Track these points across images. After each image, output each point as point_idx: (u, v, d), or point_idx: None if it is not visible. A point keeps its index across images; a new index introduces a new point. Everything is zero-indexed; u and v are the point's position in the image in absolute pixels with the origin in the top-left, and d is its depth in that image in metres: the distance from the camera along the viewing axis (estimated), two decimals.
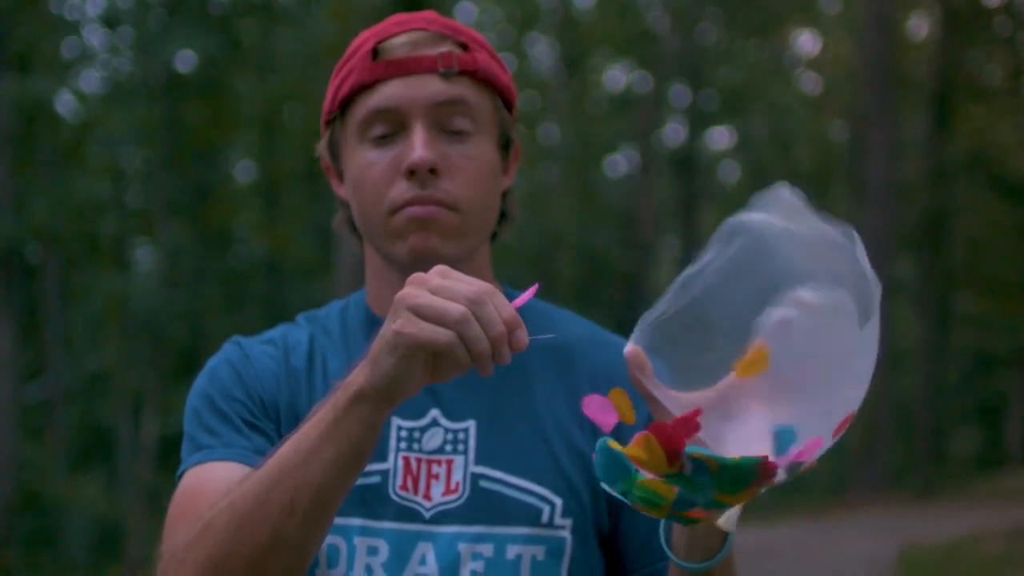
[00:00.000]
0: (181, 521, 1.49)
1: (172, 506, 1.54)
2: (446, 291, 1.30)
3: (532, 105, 24.33)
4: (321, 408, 1.38)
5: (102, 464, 19.11)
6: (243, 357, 1.66)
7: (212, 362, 1.67)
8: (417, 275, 1.34)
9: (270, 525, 1.36)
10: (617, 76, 27.60)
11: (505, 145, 1.70)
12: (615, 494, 1.27)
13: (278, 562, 1.38)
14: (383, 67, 1.63)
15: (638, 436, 1.21)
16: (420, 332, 1.29)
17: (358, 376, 1.34)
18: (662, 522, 1.44)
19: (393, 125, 1.63)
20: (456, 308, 1.29)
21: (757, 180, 27.14)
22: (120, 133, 17.96)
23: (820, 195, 26.77)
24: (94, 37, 19.19)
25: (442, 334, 1.29)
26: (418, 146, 1.60)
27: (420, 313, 1.30)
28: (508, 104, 1.70)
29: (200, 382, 1.66)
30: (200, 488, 1.53)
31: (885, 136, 17.90)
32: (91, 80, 19.37)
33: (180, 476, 1.58)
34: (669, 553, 1.44)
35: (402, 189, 1.61)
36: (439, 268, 1.34)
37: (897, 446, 19.55)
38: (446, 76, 1.63)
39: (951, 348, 20.65)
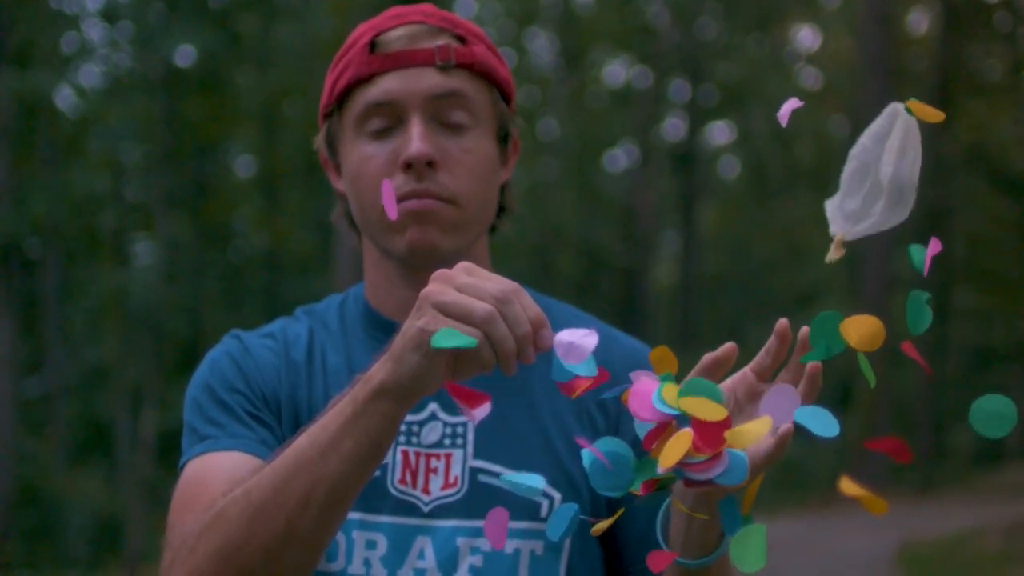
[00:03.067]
0: (187, 510, 1.47)
1: (176, 495, 1.53)
2: (472, 289, 1.28)
3: (532, 100, 24.31)
4: (340, 401, 1.36)
5: (101, 458, 19.06)
6: (243, 350, 1.65)
7: (212, 354, 1.66)
8: (442, 271, 1.32)
9: (285, 517, 1.35)
10: (617, 71, 27.58)
11: (503, 138, 1.69)
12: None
13: (291, 555, 1.37)
14: (380, 60, 1.62)
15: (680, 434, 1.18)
16: None
17: (379, 371, 1.32)
18: (659, 519, 1.44)
19: (391, 118, 1.62)
20: (483, 307, 1.27)
21: (757, 175, 27.14)
22: (119, 128, 17.93)
23: (820, 190, 26.76)
24: (93, 32, 19.15)
25: (468, 333, 1.27)
26: (415, 139, 1.59)
27: (446, 311, 1.28)
28: (506, 97, 1.69)
29: (200, 373, 1.65)
30: (206, 477, 1.51)
31: None
32: (90, 75, 19.35)
33: (183, 466, 1.57)
34: (666, 549, 1.43)
35: (399, 183, 1.60)
36: (465, 265, 1.32)
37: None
38: (443, 69, 1.62)
39: (951, 343, 20.62)
